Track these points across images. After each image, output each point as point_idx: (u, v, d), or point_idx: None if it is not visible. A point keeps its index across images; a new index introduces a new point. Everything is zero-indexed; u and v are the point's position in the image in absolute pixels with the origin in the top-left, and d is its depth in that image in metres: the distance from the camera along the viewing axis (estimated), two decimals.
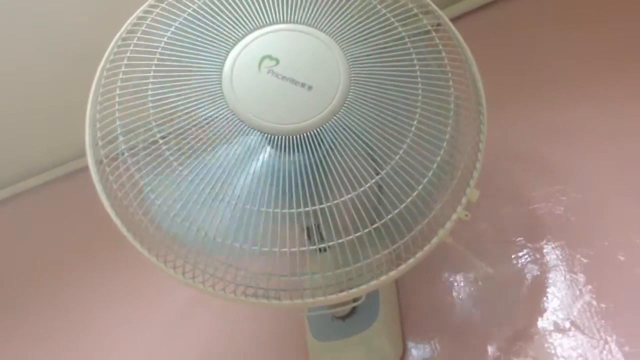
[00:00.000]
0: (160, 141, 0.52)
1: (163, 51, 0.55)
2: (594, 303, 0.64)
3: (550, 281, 0.68)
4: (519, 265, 0.71)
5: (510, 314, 0.68)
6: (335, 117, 0.52)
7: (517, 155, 0.79)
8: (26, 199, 1.12)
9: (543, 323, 0.66)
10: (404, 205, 0.52)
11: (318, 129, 0.52)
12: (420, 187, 0.53)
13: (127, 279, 0.91)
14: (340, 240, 0.51)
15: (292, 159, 0.52)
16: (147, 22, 0.56)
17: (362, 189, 0.51)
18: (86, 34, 0.90)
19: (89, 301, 0.92)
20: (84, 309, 0.91)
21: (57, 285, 0.96)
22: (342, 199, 0.51)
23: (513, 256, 0.72)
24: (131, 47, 0.56)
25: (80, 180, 1.08)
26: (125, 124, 0.55)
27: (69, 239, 1.02)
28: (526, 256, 0.71)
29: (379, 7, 0.57)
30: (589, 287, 0.66)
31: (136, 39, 0.56)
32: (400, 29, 0.56)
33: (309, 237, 0.53)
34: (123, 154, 0.54)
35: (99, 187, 0.54)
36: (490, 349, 0.66)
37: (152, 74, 0.54)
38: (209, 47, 0.54)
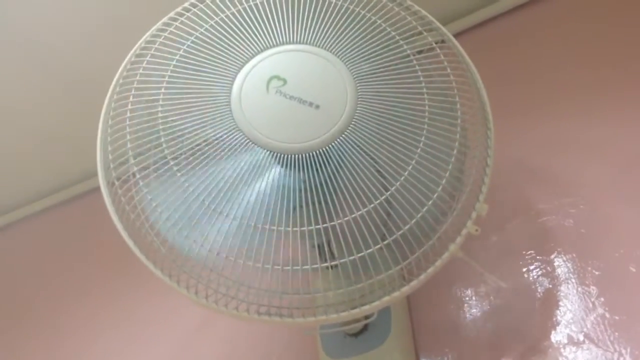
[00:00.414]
0: (171, 162, 0.53)
1: (172, 74, 0.56)
2: (607, 315, 0.64)
3: (562, 294, 0.68)
4: (531, 278, 0.71)
5: (523, 328, 0.68)
6: (343, 136, 0.53)
7: (525, 168, 0.79)
8: (31, 223, 1.13)
9: (556, 336, 0.65)
10: (414, 221, 0.53)
11: (326, 148, 0.53)
12: (430, 203, 0.53)
13: (135, 301, 0.91)
14: (351, 257, 0.51)
15: (300, 177, 0.52)
16: (156, 45, 0.57)
17: (371, 205, 0.52)
18: (90, 60, 0.92)
19: (98, 323, 0.92)
20: (92, 331, 0.91)
21: (64, 309, 0.96)
22: (352, 216, 0.52)
23: (524, 270, 0.71)
24: (140, 71, 0.57)
25: (82, 204, 1.09)
26: (135, 146, 0.55)
27: (75, 262, 1.02)
28: (537, 269, 0.71)
29: (383, 25, 0.58)
30: (602, 299, 0.65)
31: (145, 62, 0.58)
32: (405, 47, 0.57)
33: (320, 254, 0.53)
34: (135, 175, 0.54)
35: (111, 209, 0.55)
36: None
37: (161, 96, 0.55)
38: (217, 68, 0.55)
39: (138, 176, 0.54)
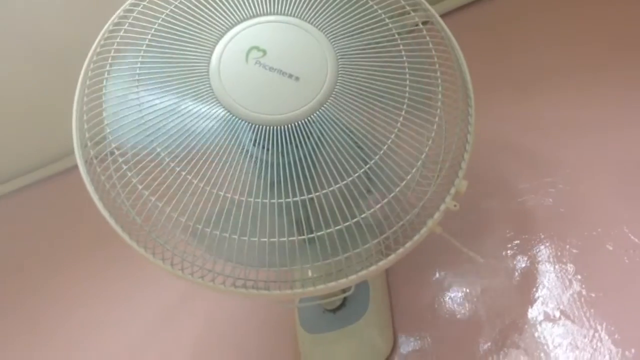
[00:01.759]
0: (150, 136, 0.52)
1: (148, 46, 0.55)
2: (584, 292, 0.65)
3: (539, 272, 0.69)
4: (509, 257, 0.71)
5: (500, 306, 0.68)
6: (322, 108, 0.52)
7: (506, 147, 0.79)
8: (8, 201, 1.11)
9: (533, 313, 0.66)
10: (392, 195, 0.53)
11: (306, 120, 0.52)
12: (408, 177, 0.53)
13: (114, 276, 0.91)
14: (329, 230, 0.51)
15: (280, 149, 0.52)
16: (134, 14, 0.56)
17: (350, 179, 0.52)
18: (71, 33, 0.90)
19: (75, 298, 0.92)
20: (70, 306, 0.91)
21: (41, 285, 0.96)
22: (331, 189, 0.51)
23: (502, 248, 0.72)
24: (117, 40, 0.56)
25: (61, 181, 1.08)
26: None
27: (54, 238, 1.01)
28: (516, 248, 0.71)
29: (370, 2, 0.57)
30: (579, 276, 0.66)
31: (122, 31, 0.56)
32: (390, 25, 0.56)
33: (298, 227, 0.53)
34: (113, 152, 0.53)
35: (89, 186, 0.54)
36: (480, 341, 0.66)
37: (138, 69, 0.54)
38: (196, 38, 0.54)
39: (116, 152, 0.53)
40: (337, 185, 0.51)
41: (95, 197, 0.54)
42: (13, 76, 0.97)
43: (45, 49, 0.94)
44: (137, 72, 0.54)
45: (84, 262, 0.94)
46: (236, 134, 0.52)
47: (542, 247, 0.70)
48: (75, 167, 0.90)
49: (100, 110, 0.55)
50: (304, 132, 0.52)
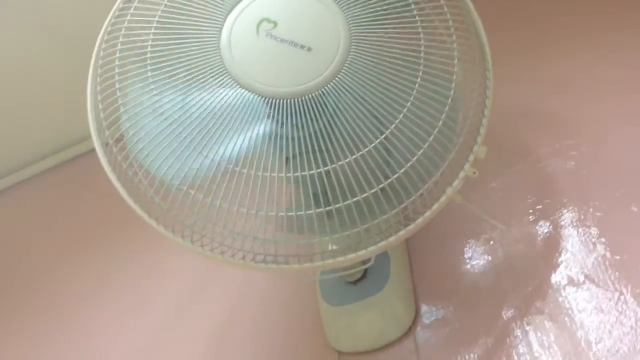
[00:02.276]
0: (165, 115, 0.51)
1: (158, 23, 0.54)
2: (608, 255, 0.64)
3: (563, 236, 0.68)
4: (531, 222, 0.70)
5: (523, 272, 0.68)
6: (336, 78, 0.51)
7: (525, 111, 0.78)
8: (26, 187, 1.12)
9: (557, 278, 0.65)
10: (409, 164, 0.52)
11: (320, 91, 0.51)
12: (426, 145, 0.52)
13: (133, 259, 0.91)
14: (347, 202, 0.51)
15: (295, 122, 0.51)
16: None
17: (366, 149, 0.51)
18: (82, 14, 0.90)
19: (98, 281, 0.92)
20: (87, 291, 0.91)
21: (65, 268, 0.96)
22: (347, 160, 0.51)
23: (524, 214, 0.71)
24: (127, 19, 0.56)
25: (76, 166, 1.09)
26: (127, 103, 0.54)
27: (72, 223, 1.02)
28: (538, 213, 0.71)
29: None
30: (603, 239, 0.65)
31: (132, 9, 0.56)
32: None
33: (316, 200, 0.53)
34: (128, 132, 0.53)
35: (107, 167, 0.54)
36: (505, 307, 0.66)
37: (149, 47, 0.54)
38: (205, 13, 0.53)
39: (131, 133, 0.53)
40: (354, 156, 0.51)
41: (113, 179, 0.54)
42: (29, 59, 0.97)
43: (59, 29, 0.94)
44: (149, 50, 0.53)
45: (101, 247, 0.95)
46: (250, 108, 0.51)
47: (565, 211, 0.69)
48: (84, 153, 0.91)
49: (114, 91, 0.55)
50: (318, 104, 0.51)
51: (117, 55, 0.55)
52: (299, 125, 0.52)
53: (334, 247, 0.54)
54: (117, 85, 0.54)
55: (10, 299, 0.95)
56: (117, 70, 0.55)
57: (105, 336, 0.85)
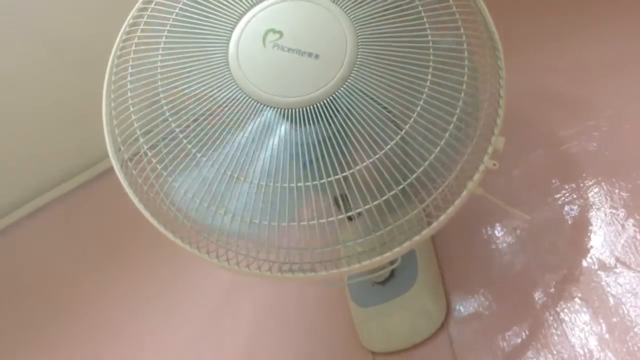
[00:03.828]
0: (177, 130, 0.52)
1: (167, 41, 0.55)
2: (638, 236, 0.63)
3: (590, 220, 0.67)
4: (557, 207, 0.69)
5: (552, 259, 0.67)
6: (347, 83, 0.51)
7: (543, 96, 0.77)
8: (52, 208, 1.13)
9: (587, 263, 0.64)
10: (427, 162, 0.51)
11: (331, 97, 0.51)
12: (442, 142, 0.52)
13: (164, 274, 0.92)
14: (367, 206, 0.51)
15: (309, 130, 0.51)
16: (148, 12, 0.56)
17: (383, 151, 0.51)
18: (93, 34, 0.91)
19: (127, 301, 0.93)
20: (122, 309, 0.92)
21: (94, 290, 0.97)
22: (365, 163, 0.50)
23: (550, 199, 0.70)
24: (133, 48, 0.56)
25: (95, 186, 1.10)
26: (142, 124, 0.55)
27: (97, 243, 1.02)
28: (563, 198, 0.70)
29: None
30: (631, 220, 0.64)
31: (139, 31, 0.56)
32: None
33: (338, 206, 0.53)
34: (146, 154, 0.54)
35: (127, 188, 0.55)
36: (536, 296, 0.65)
37: (159, 64, 0.54)
38: (211, 28, 0.53)
39: (150, 154, 0.54)
40: (372, 159, 0.51)
41: (135, 200, 0.55)
42: (42, 83, 0.99)
43: (71, 52, 0.96)
44: (159, 68, 0.54)
45: (139, 264, 0.95)
46: (263, 121, 0.51)
47: (591, 193, 0.68)
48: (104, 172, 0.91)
49: (129, 113, 0.55)
50: (331, 110, 0.51)
51: (129, 79, 0.55)
52: (314, 132, 0.52)
53: (359, 251, 0.54)
54: (132, 109, 0.55)
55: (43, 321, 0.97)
56: (129, 95, 0.55)
57: (142, 348, 0.87)
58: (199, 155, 0.51)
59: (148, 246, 0.94)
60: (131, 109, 0.55)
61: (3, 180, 1.09)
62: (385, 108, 0.53)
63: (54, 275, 1.02)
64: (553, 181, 0.71)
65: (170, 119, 0.52)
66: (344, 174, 0.50)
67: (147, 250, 0.95)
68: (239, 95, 0.51)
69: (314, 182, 0.50)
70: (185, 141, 0.52)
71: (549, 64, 0.78)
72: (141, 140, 0.54)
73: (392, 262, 0.65)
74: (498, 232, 0.71)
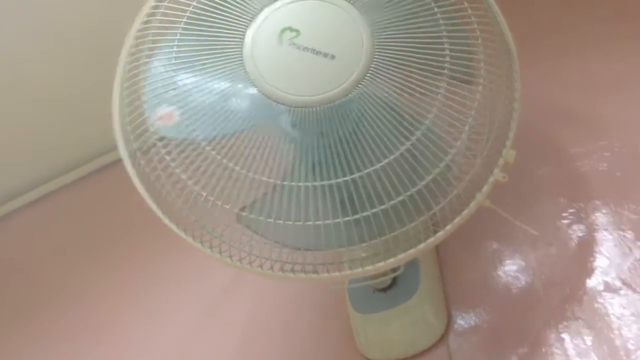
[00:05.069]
0: (190, 127, 0.52)
1: (182, 35, 0.54)
2: None
3: (597, 241, 0.66)
4: (564, 225, 0.69)
5: (557, 277, 0.66)
6: (360, 85, 0.51)
7: (556, 111, 0.76)
8: (54, 198, 1.13)
9: (592, 283, 0.64)
10: (437, 171, 0.51)
11: (344, 99, 0.51)
12: (453, 151, 0.52)
13: (160, 268, 0.92)
14: (374, 210, 0.50)
15: (320, 130, 0.51)
16: (165, 3, 0.56)
17: (393, 157, 0.50)
18: (102, 26, 0.91)
19: (122, 292, 0.93)
20: (116, 300, 0.92)
21: (88, 280, 0.97)
22: (374, 168, 0.50)
23: (557, 217, 0.69)
24: (151, 34, 0.56)
25: (104, 176, 1.10)
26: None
27: (101, 233, 1.02)
28: (571, 217, 0.69)
29: None
30: (639, 243, 0.63)
31: (155, 24, 0.56)
32: None
33: (343, 208, 0.52)
34: (155, 144, 0.54)
35: (135, 180, 0.55)
36: (538, 313, 0.65)
37: (174, 59, 0.54)
38: (228, 24, 0.53)
39: (159, 144, 0.53)
40: (381, 164, 0.50)
41: (142, 190, 0.54)
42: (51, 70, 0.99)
43: (81, 42, 0.96)
44: (173, 62, 0.54)
45: (137, 255, 0.95)
46: (274, 118, 0.51)
47: (599, 214, 0.68)
48: (111, 164, 0.91)
49: (140, 104, 0.55)
50: (343, 111, 0.51)
51: (143, 68, 0.55)
52: (324, 133, 0.51)
53: (363, 255, 0.53)
54: (144, 99, 0.55)
55: (43, 300, 0.97)
56: (143, 90, 0.55)
57: (138, 338, 0.86)
58: (208, 148, 0.51)
59: (145, 239, 0.94)
60: (143, 99, 0.55)
61: (5, 168, 1.10)
62: (397, 114, 0.53)
63: (50, 263, 1.02)
64: (561, 199, 0.70)
65: (181, 110, 0.52)
66: (352, 176, 0.50)
67: (144, 243, 0.95)
68: (252, 91, 0.51)
69: (322, 183, 0.50)
70: (195, 134, 0.52)
71: (563, 79, 0.78)
72: (151, 130, 0.54)
73: (394, 270, 0.64)
74: (503, 246, 0.71)
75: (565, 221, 0.69)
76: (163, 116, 0.52)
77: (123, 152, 0.55)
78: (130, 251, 0.97)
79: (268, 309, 0.81)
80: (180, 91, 0.53)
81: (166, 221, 0.54)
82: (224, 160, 0.51)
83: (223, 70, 0.52)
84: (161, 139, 0.53)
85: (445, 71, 0.52)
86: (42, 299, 0.97)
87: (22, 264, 1.04)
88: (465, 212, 0.52)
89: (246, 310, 0.82)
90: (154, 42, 0.56)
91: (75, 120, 1.06)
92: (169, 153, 0.53)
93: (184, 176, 0.52)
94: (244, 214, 0.51)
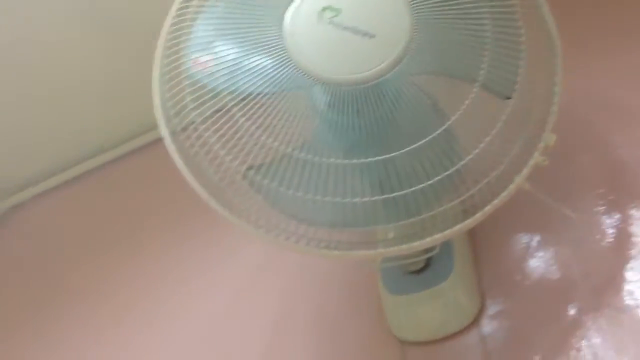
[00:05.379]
0: (228, 98, 0.52)
1: (224, 11, 0.55)
2: None
3: (635, 229, 0.65)
4: (602, 213, 0.67)
5: (593, 265, 0.66)
6: (399, 66, 0.51)
7: (599, 99, 0.75)
8: (94, 176, 1.15)
9: (629, 272, 0.63)
10: (475, 152, 0.51)
11: (382, 79, 0.51)
12: (493, 132, 0.51)
13: (189, 250, 0.92)
14: (411, 189, 0.50)
15: (355, 109, 0.51)
16: None
17: (431, 136, 0.50)
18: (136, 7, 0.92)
19: (165, 268, 0.94)
20: (158, 274, 0.93)
21: (133, 257, 0.97)
22: (410, 147, 0.50)
23: (595, 205, 0.68)
24: (188, 19, 0.56)
25: (137, 157, 1.11)
26: (193, 91, 0.55)
27: (139, 213, 1.03)
28: (610, 204, 0.68)
29: None
30: None
31: (192, 7, 0.57)
32: None
33: (380, 187, 0.53)
34: (194, 121, 0.54)
35: (176, 158, 0.55)
36: (574, 300, 0.64)
37: (213, 35, 0.55)
38: (267, 1, 0.53)
39: (198, 120, 0.54)
40: (417, 144, 0.50)
41: (183, 168, 0.55)
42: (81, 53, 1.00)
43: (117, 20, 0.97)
44: (213, 32, 0.54)
45: (174, 231, 0.97)
46: (312, 95, 0.51)
47: (638, 202, 0.66)
48: (148, 144, 0.91)
49: (180, 80, 0.56)
50: (379, 92, 0.51)
51: (182, 46, 0.56)
52: (360, 113, 0.51)
53: (398, 234, 0.53)
54: (184, 75, 0.56)
55: (81, 284, 0.99)
56: (183, 67, 0.56)
57: (169, 320, 0.87)
58: (245, 122, 0.51)
59: (175, 221, 0.96)
60: (183, 76, 0.56)
61: (33, 151, 1.11)
62: (435, 95, 0.52)
63: (75, 244, 1.03)
64: (600, 186, 0.69)
65: (222, 86, 0.52)
66: (388, 155, 0.50)
67: (173, 225, 0.96)
68: (290, 68, 0.51)
69: (360, 160, 0.50)
70: (235, 109, 0.52)
71: (607, 68, 0.76)
72: (191, 106, 0.55)
73: (429, 250, 0.64)
74: (538, 232, 0.70)
75: (604, 209, 0.68)
76: (200, 63, 0.53)
77: (164, 130, 0.56)
78: (157, 234, 0.97)
79: (299, 291, 0.81)
80: (218, 50, 0.53)
81: (203, 194, 0.55)
82: (263, 137, 0.51)
83: (262, 44, 0.52)
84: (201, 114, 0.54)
85: (486, 53, 0.52)
86: (69, 286, 0.98)
87: (50, 243, 1.06)
88: (504, 194, 0.52)
89: (277, 292, 0.83)
90: (193, 19, 0.57)
91: (110, 102, 1.08)
92: (206, 129, 0.54)
93: (222, 152, 0.53)
94: (280, 188, 0.52)
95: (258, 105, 0.52)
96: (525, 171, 0.52)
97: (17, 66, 0.98)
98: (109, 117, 1.09)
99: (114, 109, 1.07)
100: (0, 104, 1.01)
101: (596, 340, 0.61)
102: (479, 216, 0.52)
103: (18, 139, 1.08)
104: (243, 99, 0.52)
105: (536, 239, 0.70)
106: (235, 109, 0.52)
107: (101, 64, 1.01)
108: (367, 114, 0.51)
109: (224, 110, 0.53)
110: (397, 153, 0.50)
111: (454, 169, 0.50)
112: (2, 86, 0.99)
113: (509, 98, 0.52)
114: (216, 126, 0.53)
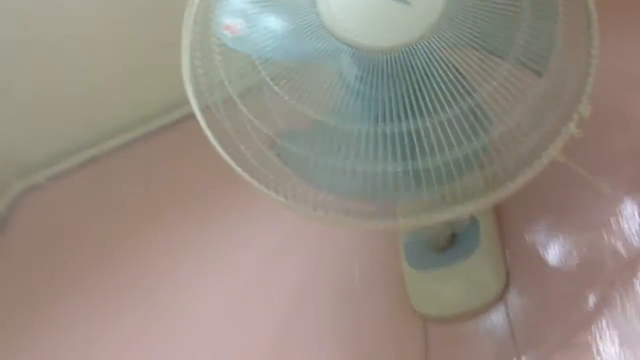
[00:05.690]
0: (263, 72, 0.52)
1: None
2: None
3: None
4: (635, 193, 0.66)
5: (623, 246, 0.64)
6: (434, 34, 0.50)
7: (635, 76, 0.73)
8: (112, 157, 1.17)
9: None
10: (505, 126, 0.50)
11: (416, 46, 0.50)
12: (526, 106, 0.50)
13: (220, 219, 0.93)
14: (436, 159, 0.49)
15: (388, 74, 0.50)
16: None
17: (459, 107, 0.49)
18: None
19: (183, 241, 0.95)
20: (175, 257, 0.94)
21: (152, 229, 0.99)
22: (437, 119, 0.49)
23: (630, 184, 0.67)
24: None
25: (161, 138, 1.12)
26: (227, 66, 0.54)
27: (165, 187, 1.05)
28: None
29: None
30: None
31: None
32: None
33: (403, 157, 0.52)
34: (230, 97, 0.54)
35: (208, 132, 0.55)
36: (603, 279, 0.63)
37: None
38: None
39: (232, 91, 0.53)
40: (446, 116, 0.49)
41: (209, 133, 0.55)
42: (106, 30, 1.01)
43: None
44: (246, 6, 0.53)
45: (197, 206, 0.97)
46: (343, 61, 0.50)
47: None
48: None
49: (211, 48, 0.55)
50: (413, 60, 0.50)
51: (213, 11, 0.55)
52: (390, 83, 0.50)
53: (421, 205, 0.52)
54: (216, 49, 0.55)
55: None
56: (214, 40, 0.55)
57: (187, 295, 0.88)
58: (276, 88, 0.51)
59: (203, 197, 0.96)
60: (216, 50, 0.55)
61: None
62: (467, 65, 0.51)
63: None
64: (633, 166, 0.68)
65: (257, 61, 0.51)
66: (415, 126, 0.49)
67: (201, 200, 0.97)
68: (323, 33, 0.50)
69: (384, 129, 0.49)
70: (267, 79, 0.51)
71: None
72: (226, 82, 0.54)
73: (454, 227, 0.63)
74: (567, 209, 0.69)
75: (636, 188, 0.66)
76: (229, 26, 0.52)
77: (195, 106, 0.55)
78: (190, 208, 0.98)
79: (320, 265, 0.81)
80: (249, 14, 0.52)
81: (231, 163, 0.54)
82: (291, 103, 0.51)
83: (295, 12, 0.51)
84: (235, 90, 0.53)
85: (522, 23, 0.50)
86: (97, 256, 1.01)
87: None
88: (536, 165, 0.51)
89: (299, 266, 0.83)
90: None
91: (139, 77, 1.08)
92: (243, 103, 0.53)
93: (252, 117, 0.53)
94: (307, 155, 0.51)
95: (289, 75, 0.51)
96: (559, 141, 0.51)
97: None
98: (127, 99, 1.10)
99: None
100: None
101: (621, 319, 0.60)
102: (512, 185, 0.51)
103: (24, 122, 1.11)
104: (274, 69, 0.51)
105: (564, 215, 0.69)
106: (267, 78, 0.52)
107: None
108: (398, 83, 0.50)
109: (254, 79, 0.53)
110: (423, 123, 0.49)
111: (480, 143, 0.49)
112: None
113: (542, 74, 0.51)
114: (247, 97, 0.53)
